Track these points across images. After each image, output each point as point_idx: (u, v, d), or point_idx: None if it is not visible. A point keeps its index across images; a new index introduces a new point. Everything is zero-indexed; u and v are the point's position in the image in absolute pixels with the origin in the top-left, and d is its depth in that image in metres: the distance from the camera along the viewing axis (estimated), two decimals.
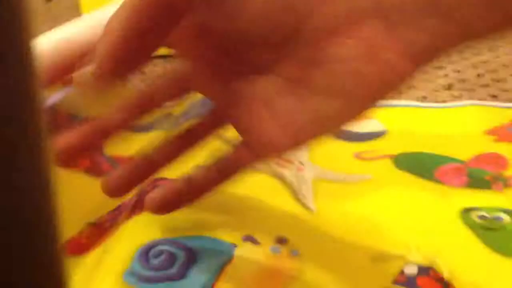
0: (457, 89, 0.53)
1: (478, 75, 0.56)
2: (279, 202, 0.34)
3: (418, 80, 0.56)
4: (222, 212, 0.33)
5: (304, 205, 0.34)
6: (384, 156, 0.40)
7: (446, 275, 0.29)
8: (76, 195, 0.34)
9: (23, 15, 0.14)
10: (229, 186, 0.30)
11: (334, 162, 0.39)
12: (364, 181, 0.37)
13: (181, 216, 0.31)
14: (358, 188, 0.36)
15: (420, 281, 0.29)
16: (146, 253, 0.29)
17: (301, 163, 0.38)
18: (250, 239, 0.31)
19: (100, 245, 0.31)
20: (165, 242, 0.30)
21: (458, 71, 0.57)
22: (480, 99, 0.51)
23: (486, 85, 0.54)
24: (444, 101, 0.51)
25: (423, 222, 0.33)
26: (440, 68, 0.59)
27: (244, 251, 0.30)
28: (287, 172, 0.37)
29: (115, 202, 0.34)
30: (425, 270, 0.30)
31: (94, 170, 0.36)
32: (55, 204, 0.15)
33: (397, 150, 0.41)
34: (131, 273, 0.28)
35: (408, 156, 0.40)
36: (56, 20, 0.79)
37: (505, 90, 0.53)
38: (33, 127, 0.14)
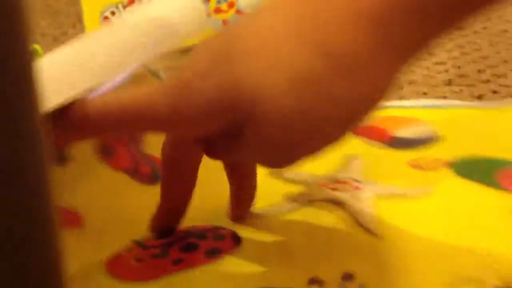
0: (457, 85, 0.53)
1: (479, 71, 0.56)
2: (340, 230, 0.32)
3: (418, 75, 0.56)
4: (284, 254, 0.31)
5: (366, 229, 0.32)
6: (442, 164, 0.37)
7: None
8: (118, 200, 0.34)
9: (22, 11, 0.14)
10: (287, 217, 0.31)
11: (389, 174, 0.36)
12: (427, 194, 0.34)
13: (248, 269, 0.30)
14: (422, 203, 0.34)
15: None
16: None
17: (357, 181, 0.36)
18: (315, 281, 0.28)
19: (162, 277, 0.30)
20: None
21: (459, 67, 0.57)
22: (480, 95, 0.51)
23: (487, 81, 0.54)
24: (444, 97, 0.51)
25: (496, 238, 0.30)
26: (441, 63, 0.59)
27: None
28: (344, 195, 0.34)
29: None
30: None
31: (134, 172, 0.35)
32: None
33: (455, 155, 0.38)
34: None
35: (467, 161, 0.37)
36: (56, 15, 0.78)
37: (506, 86, 0.53)
38: (30, 124, 0.14)
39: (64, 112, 0.26)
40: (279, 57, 0.25)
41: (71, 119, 0.27)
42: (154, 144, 0.36)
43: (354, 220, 0.32)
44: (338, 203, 0.34)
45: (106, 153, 0.34)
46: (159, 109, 0.26)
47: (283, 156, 0.27)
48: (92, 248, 0.31)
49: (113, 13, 0.61)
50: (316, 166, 0.35)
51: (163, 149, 0.31)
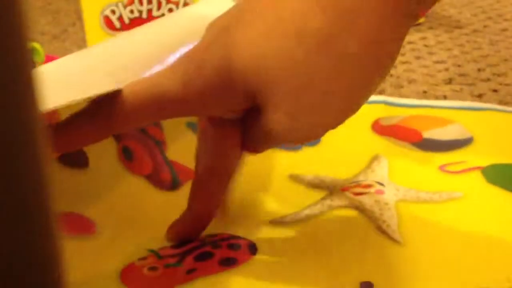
0: (458, 84, 0.53)
1: (479, 70, 0.56)
2: (361, 237, 0.31)
3: (418, 74, 0.56)
4: (300, 265, 0.29)
5: (389, 236, 0.30)
6: (473, 169, 0.36)
7: None
8: (136, 207, 0.33)
9: (21, 9, 0.13)
10: (306, 224, 0.30)
11: (417, 178, 0.35)
12: (453, 200, 0.33)
13: (262, 280, 0.28)
14: (448, 208, 0.32)
15: None
16: None
17: (380, 184, 0.35)
18: None
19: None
20: None
21: (459, 65, 0.57)
22: (480, 94, 0.51)
23: (487, 80, 0.54)
24: (444, 96, 0.50)
25: None
26: (441, 62, 0.58)
27: None
28: (366, 200, 0.33)
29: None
30: None
31: (154, 178, 0.35)
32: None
33: (487, 160, 0.36)
34: None
35: (499, 167, 0.36)
36: (55, 14, 0.78)
37: (506, 85, 0.53)
38: (29, 124, 0.14)
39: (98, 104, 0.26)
40: (281, 19, 0.25)
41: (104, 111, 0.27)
42: (175, 150, 0.36)
43: (376, 227, 0.31)
44: (360, 209, 0.33)
45: (127, 158, 0.34)
46: (170, 89, 0.26)
47: (303, 125, 0.27)
48: (106, 255, 0.30)
49: (113, 11, 0.61)
50: (340, 168, 0.36)
51: (198, 157, 0.30)
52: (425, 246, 0.30)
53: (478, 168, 0.36)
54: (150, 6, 0.61)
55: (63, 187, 0.31)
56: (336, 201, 0.34)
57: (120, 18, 0.61)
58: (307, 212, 0.33)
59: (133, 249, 0.31)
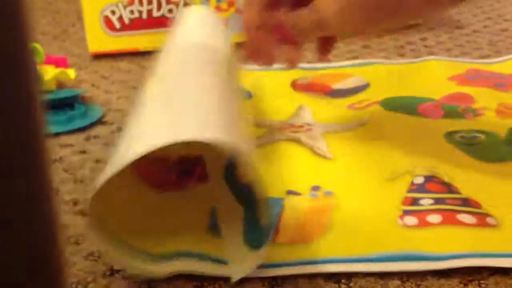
0: None
1: None
2: (303, 159, 0.42)
3: None
4: (264, 175, 0.38)
5: (322, 156, 0.42)
6: (373, 103, 0.49)
7: (446, 179, 0.38)
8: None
9: (23, 10, 0.14)
10: (266, 156, 0.41)
11: (333, 116, 0.47)
12: (363, 125, 0.45)
13: None
14: (359, 131, 0.45)
15: (428, 186, 0.38)
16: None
17: (308, 124, 0.46)
18: (291, 192, 0.38)
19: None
20: None
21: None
22: None
23: None
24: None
25: (418, 145, 0.42)
26: None
27: (290, 201, 0.37)
28: (301, 136, 0.44)
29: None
30: (430, 178, 0.38)
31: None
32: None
33: (382, 96, 0.50)
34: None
35: (393, 99, 0.49)
36: (56, 14, 0.78)
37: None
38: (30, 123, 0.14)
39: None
40: None
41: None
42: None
43: (312, 152, 0.42)
44: (297, 141, 0.44)
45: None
46: None
47: (346, 14, 0.35)
48: None
49: (113, 12, 0.61)
50: (276, 115, 0.48)
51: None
52: (349, 157, 0.41)
53: (377, 102, 0.49)
54: (150, 7, 0.61)
55: None
56: (278, 136, 0.44)
57: (120, 19, 0.61)
58: (256, 141, 0.43)
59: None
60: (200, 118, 0.30)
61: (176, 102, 0.32)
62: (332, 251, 0.32)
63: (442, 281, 0.30)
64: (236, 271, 0.30)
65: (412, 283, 0.30)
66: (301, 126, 0.46)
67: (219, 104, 0.33)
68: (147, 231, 0.33)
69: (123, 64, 0.61)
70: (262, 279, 0.31)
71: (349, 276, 0.31)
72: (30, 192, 0.14)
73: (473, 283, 0.30)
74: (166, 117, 0.30)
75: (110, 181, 0.28)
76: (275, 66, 0.57)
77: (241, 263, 0.31)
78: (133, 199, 0.35)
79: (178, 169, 0.39)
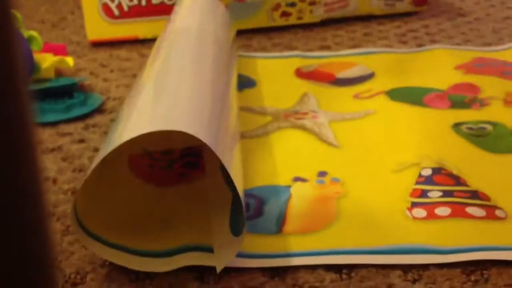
0: None
1: None
2: (309, 146, 0.42)
3: None
4: (271, 163, 0.40)
5: (329, 144, 0.42)
6: (379, 93, 0.48)
7: (455, 171, 0.38)
8: None
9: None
10: (271, 143, 0.41)
11: (339, 105, 0.47)
12: (369, 115, 0.45)
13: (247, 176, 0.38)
14: (366, 121, 0.44)
15: (436, 178, 0.37)
16: None
17: (314, 111, 0.46)
18: (298, 179, 0.38)
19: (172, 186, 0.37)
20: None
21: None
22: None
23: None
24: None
25: (426, 137, 0.42)
26: None
27: (298, 189, 0.37)
28: (306, 122, 0.44)
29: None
30: (438, 170, 0.38)
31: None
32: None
33: (388, 86, 0.49)
34: None
35: (398, 90, 0.49)
36: (54, 2, 0.78)
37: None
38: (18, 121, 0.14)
39: None
40: None
41: None
42: None
43: (318, 139, 0.42)
44: (302, 128, 0.44)
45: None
46: None
47: None
48: None
49: None
50: (280, 103, 0.47)
51: None
52: (355, 146, 0.41)
53: (383, 92, 0.49)
54: None
55: None
56: (283, 124, 0.44)
57: (119, 6, 0.60)
58: (261, 130, 0.44)
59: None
60: (184, 109, 0.30)
61: (166, 92, 0.31)
62: (339, 242, 0.32)
63: (444, 271, 0.30)
64: (219, 260, 0.30)
65: (414, 273, 0.30)
66: (306, 113, 0.46)
67: (208, 97, 0.32)
68: (145, 228, 0.33)
69: (122, 52, 0.60)
70: (263, 269, 0.31)
71: (350, 266, 0.31)
72: (17, 185, 0.14)
73: (476, 273, 0.30)
74: (153, 107, 0.30)
75: (105, 180, 0.28)
76: (278, 54, 0.57)
77: (224, 251, 0.30)
78: (132, 197, 0.35)
79: (183, 161, 0.38)
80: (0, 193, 0.13)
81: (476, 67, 0.53)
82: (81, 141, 0.44)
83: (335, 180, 0.38)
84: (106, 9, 0.61)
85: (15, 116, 0.13)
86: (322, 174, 0.38)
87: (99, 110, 0.48)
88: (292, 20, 0.64)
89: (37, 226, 0.14)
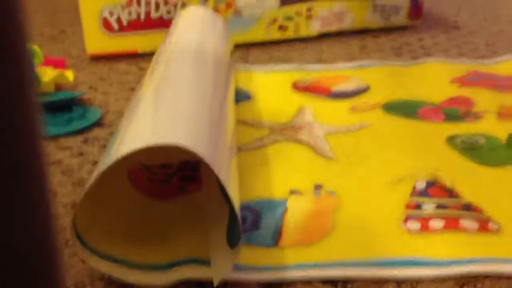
0: None
1: None
2: (305, 159, 0.42)
3: None
4: (267, 176, 0.40)
5: (325, 156, 0.42)
6: (374, 106, 0.50)
7: (448, 184, 0.38)
8: None
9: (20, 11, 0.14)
10: (267, 157, 0.42)
11: (333, 118, 0.48)
12: (364, 128, 0.46)
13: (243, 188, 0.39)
14: (361, 134, 0.46)
15: (430, 191, 0.38)
16: None
17: (310, 124, 0.47)
18: (294, 192, 0.38)
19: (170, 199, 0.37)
20: None
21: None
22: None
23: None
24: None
25: (421, 150, 0.43)
26: None
27: (294, 202, 0.37)
28: (302, 135, 0.45)
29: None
30: (432, 183, 0.39)
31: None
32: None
33: (383, 100, 0.51)
34: None
35: (393, 103, 0.50)
36: (53, 14, 0.78)
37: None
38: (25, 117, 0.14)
39: None
40: None
41: None
42: None
43: (314, 151, 0.43)
44: (298, 141, 0.44)
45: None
46: None
47: None
48: None
49: (111, 13, 0.61)
50: (276, 116, 0.49)
51: None
52: (351, 159, 0.42)
53: (378, 105, 0.50)
54: (148, 8, 0.62)
55: None
56: (279, 137, 0.45)
57: (118, 20, 0.61)
58: (258, 143, 0.45)
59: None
60: (182, 123, 0.30)
61: (164, 106, 0.32)
62: (334, 255, 0.32)
63: (438, 283, 0.31)
64: (216, 273, 0.30)
65: (407, 285, 0.31)
66: (303, 127, 0.46)
67: (206, 111, 0.33)
68: (143, 241, 0.33)
69: (121, 65, 0.61)
70: (259, 282, 0.31)
71: (346, 278, 0.31)
72: (26, 194, 0.14)
73: (469, 285, 0.30)
74: (151, 122, 0.30)
75: (104, 192, 0.29)
76: (275, 67, 0.58)
77: (221, 263, 0.31)
78: (131, 210, 0.36)
79: (180, 175, 0.39)
80: (8, 202, 0.14)
81: (470, 80, 0.54)
82: (80, 154, 0.44)
83: (330, 193, 0.38)
84: (106, 23, 0.61)
85: (25, 124, 0.14)
86: (318, 187, 0.39)
87: (98, 123, 0.49)
88: (289, 34, 0.65)
89: (45, 234, 0.15)
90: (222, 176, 0.29)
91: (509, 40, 0.64)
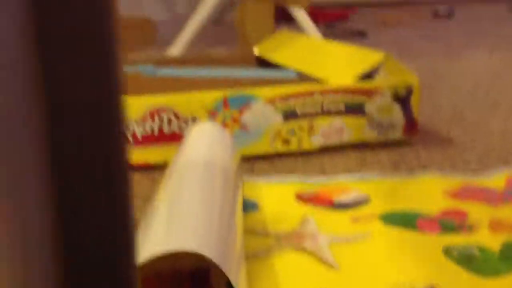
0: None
1: None
2: (310, 268, 0.45)
3: None
4: (272, 285, 0.42)
5: (329, 265, 0.45)
6: (373, 217, 0.53)
7: None
8: None
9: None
10: (272, 266, 0.45)
11: (336, 228, 0.51)
12: (366, 238, 0.49)
13: None
14: (363, 244, 0.49)
15: None
16: None
17: (314, 234, 0.50)
18: None
19: None
20: None
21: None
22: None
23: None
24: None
25: (419, 260, 0.46)
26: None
27: None
28: (306, 245, 0.48)
29: None
30: None
31: None
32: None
33: (382, 211, 0.55)
34: None
35: (392, 214, 0.54)
36: None
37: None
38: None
39: None
40: None
41: None
42: None
43: (318, 260, 0.46)
44: (303, 250, 0.47)
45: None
46: None
47: None
48: None
49: (126, 128, 0.66)
50: (281, 225, 0.52)
51: None
52: (354, 267, 0.45)
53: (377, 216, 0.53)
54: (161, 124, 0.66)
55: None
56: (284, 245, 0.48)
57: (133, 135, 0.66)
58: (263, 251, 0.47)
59: None
60: (192, 232, 0.33)
61: (175, 219, 0.35)
62: None
63: None
64: None
65: None
66: (307, 236, 0.49)
67: (216, 220, 0.36)
68: None
69: (134, 176, 0.64)
70: None
71: None
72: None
73: None
74: (163, 232, 0.33)
75: None
76: (279, 178, 0.61)
77: None
78: None
79: (191, 283, 0.41)
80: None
81: (463, 193, 0.57)
82: None
83: None
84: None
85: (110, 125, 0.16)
86: None
87: None
88: (292, 147, 0.69)
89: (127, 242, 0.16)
90: (233, 279, 0.31)
91: (500, 154, 0.68)
